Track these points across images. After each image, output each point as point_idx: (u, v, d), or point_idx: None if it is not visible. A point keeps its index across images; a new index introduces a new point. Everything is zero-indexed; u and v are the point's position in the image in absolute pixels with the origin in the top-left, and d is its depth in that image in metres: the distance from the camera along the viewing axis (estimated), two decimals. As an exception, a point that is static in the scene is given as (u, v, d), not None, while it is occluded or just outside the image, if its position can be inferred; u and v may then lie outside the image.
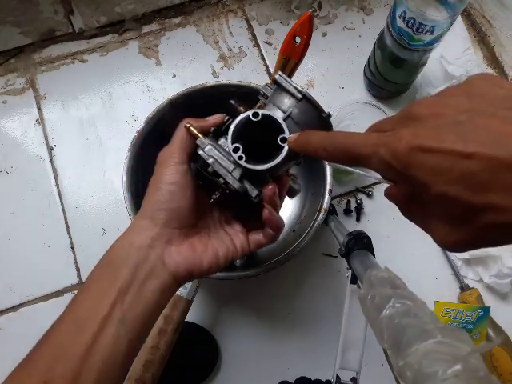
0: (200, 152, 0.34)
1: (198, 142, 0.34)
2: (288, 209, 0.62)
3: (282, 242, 0.58)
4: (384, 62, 0.62)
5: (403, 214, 0.26)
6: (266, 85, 0.38)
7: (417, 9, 0.50)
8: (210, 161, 0.34)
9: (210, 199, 0.39)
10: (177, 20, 0.73)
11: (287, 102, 0.35)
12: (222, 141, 0.36)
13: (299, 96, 0.34)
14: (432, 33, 0.52)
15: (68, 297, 0.60)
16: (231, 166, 0.34)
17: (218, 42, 0.72)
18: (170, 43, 0.72)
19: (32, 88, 0.69)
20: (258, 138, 0.34)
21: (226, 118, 0.37)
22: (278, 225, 0.36)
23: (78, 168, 0.65)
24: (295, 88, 0.34)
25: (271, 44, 0.72)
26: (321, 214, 0.52)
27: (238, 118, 0.33)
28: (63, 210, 0.63)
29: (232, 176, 0.33)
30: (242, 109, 0.36)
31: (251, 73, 0.70)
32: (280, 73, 0.35)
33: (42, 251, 0.62)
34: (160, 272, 0.33)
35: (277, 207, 0.36)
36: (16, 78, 0.69)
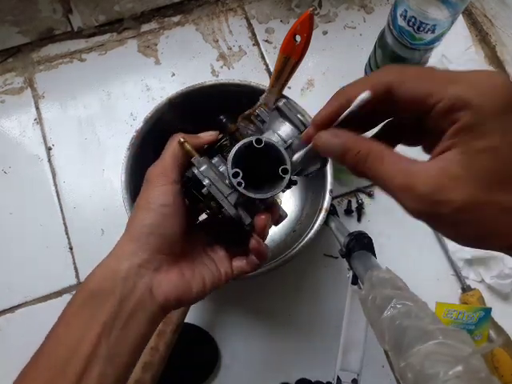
0: (195, 171, 0.32)
1: (193, 160, 0.33)
2: (288, 209, 0.61)
3: (282, 242, 0.58)
4: (385, 61, 0.61)
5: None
6: (260, 106, 0.37)
7: (418, 7, 0.50)
8: (206, 182, 0.32)
9: (195, 220, 0.38)
10: (176, 19, 0.73)
11: (289, 132, 0.34)
12: (215, 160, 0.34)
13: (302, 128, 0.33)
14: (433, 32, 0.52)
15: (66, 297, 0.60)
16: (227, 190, 0.32)
17: (217, 41, 0.71)
18: (169, 42, 0.71)
19: (30, 87, 0.68)
20: (254, 164, 0.33)
21: (220, 135, 0.36)
22: (264, 254, 0.35)
23: (77, 168, 0.65)
24: (300, 120, 0.33)
25: (271, 43, 0.72)
26: (321, 215, 0.52)
27: (241, 143, 0.32)
28: (61, 210, 0.63)
29: (228, 201, 0.32)
30: (232, 126, 0.35)
31: (251, 72, 0.70)
32: (285, 101, 0.34)
33: (41, 252, 0.61)
34: (148, 304, 0.30)
35: (265, 236, 0.35)
36: (14, 77, 0.69)
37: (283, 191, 0.35)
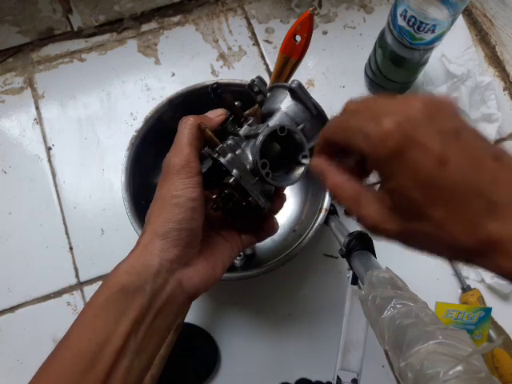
0: (222, 161, 0.31)
1: (218, 149, 0.32)
2: (288, 209, 0.61)
3: (282, 242, 0.58)
4: (385, 61, 0.61)
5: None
6: (260, 79, 0.36)
7: (418, 7, 0.50)
8: (235, 172, 0.31)
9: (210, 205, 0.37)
10: (176, 19, 0.73)
11: (301, 114, 0.34)
12: (229, 143, 0.33)
13: (315, 112, 0.33)
14: (433, 31, 0.52)
15: (66, 297, 0.60)
16: (252, 179, 0.32)
17: (217, 41, 0.71)
18: (169, 42, 0.71)
19: (30, 87, 0.68)
20: (271, 149, 0.33)
21: (228, 113, 0.35)
22: (276, 229, 0.38)
23: (77, 168, 0.65)
24: (313, 104, 0.33)
25: (271, 43, 0.72)
26: (321, 214, 0.52)
27: (266, 132, 0.31)
28: (61, 210, 0.63)
29: (256, 191, 0.32)
30: (230, 97, 0.34)
31: (251, 71, 0.70)
32: (297, 81, 0.34)
33: (40, 252, 0.61)
34: (178, 297, 0.30)
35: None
36: (14, 77, 0.69)
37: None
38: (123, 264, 0.30)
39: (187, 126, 0.32)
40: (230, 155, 0.31)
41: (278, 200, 0.36)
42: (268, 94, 0.37)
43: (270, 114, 0.35)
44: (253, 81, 0.36)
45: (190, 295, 0.31)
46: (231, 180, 0.31)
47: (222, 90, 0.34)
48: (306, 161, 0.32)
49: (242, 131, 0.34)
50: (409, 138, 0.22)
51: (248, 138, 0.34)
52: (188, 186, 0.30)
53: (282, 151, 0.33)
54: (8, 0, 0.62)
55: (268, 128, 0.31)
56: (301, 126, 0.33)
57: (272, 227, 0.37)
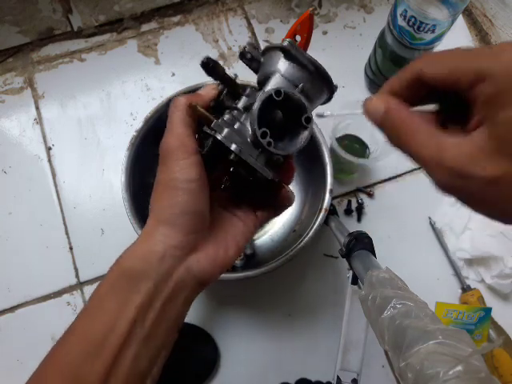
0: (219, 137, 0.29)
1: (213, 126, 0.29)
2: (288, 209, 0.61)
3: (282, 242, 0.58)
4: (385, 61, 0.61)
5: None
6: (250, 44, 0.34)
7: (418, 7, 0.50)
8: (234, 147, 0.29)
9: (215, 184, 0.35)
10: (176, 19, 0.73)
11: (299, 75, 0.31)
12: (227, 118, 0.31)
13: (312, 68, 0.31)
14: (433, 31, 0.52)
15: (66, 297, 0.60)
16: (255, 152, 0.30)
17: (217, 41, 0.71)
18: (169, 42, 0.71)
19: (30, 87, 0.68)
20: (272, 115, 0.31)
21: (220, 87, 0.33)
22: (292, 199, 0.36)
23: (77, 168, 0.65)
24: (309, 60, 0.31)
25: (271, 43, 0.72)
26: (321, 214, 0.52)
27: (262, 99, 0.29)
28: (61, 210, 0.63)
29: (260, 164, 0.30)
30: (221, 67, 0.32)
31: (251, 72, 0.70)
32: (289, 40, 0.32)
33: (40, 252, 0.61)
34: (187, 284, 0.29)
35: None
36: (14, 77, 0.69)
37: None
38: (127, 251, 0.29)
39: (177, 106, 0.31)
40: (226, 130, 0.30)
41: (288, 170, 0.34)
42: (262, 59, 0.34)
43: (266, 79, 0.33)
44: (244, 47, 0.34)
45: (201, 281, 0.30)
46: (232, 156, 0.29)
47: (213, 63, 0.32)
48: (309, 123, 0.30)
49: (241, 103, 0.32)
50: None
51: (247, 109, 0.32)
52: (184, 168, 0.29)
53: (285, 117, 0.31)
54: (8, 0, 0.62)
55: (262, 94, 0.29)
56: (300, 86, 0.31)
57: (288, 198, 0.35)
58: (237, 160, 0.29)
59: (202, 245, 0.30)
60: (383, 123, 0.25)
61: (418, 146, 0.23)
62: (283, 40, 0.32)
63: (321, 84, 0.32)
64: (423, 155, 0.23)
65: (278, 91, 0.29)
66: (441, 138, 0.23)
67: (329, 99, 0.34)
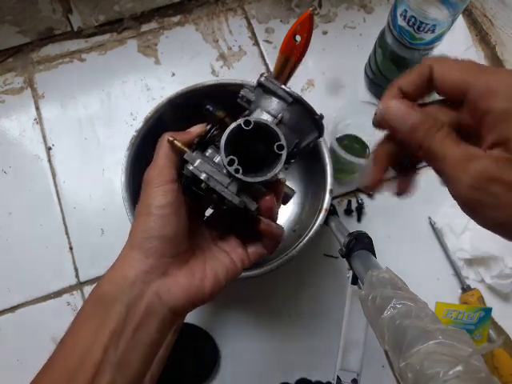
0: (190, 168, 0.31)
1: (186, 156, 0.32)
2: (288, 209, 0.61)
3: (282, 242, 0.58)
4: (385, 61, 0.61)
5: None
6: (245, 87, 0.36)
7: (418, 7, 0.50)
8: (203, 176, 0.31)
9: (199, 217, 0.37)
10: (176, 19, 0.73)
11: (277, 106, 0.33)
12: (209, 152, 0.33)
13: (290, 99, 0.32)
14: (433, 31, 0.52)
15: (66, 298, 0.60)
16: (226, 180, 0.31)
17: (217, 41, 0.71)
18: (169, 42, 0.71)
19: (30, 87, 0.68)
20: (249, 147, 0.32)
21: (208, 126, 0.35)
22: (278, 234, 0.35)
23: (77, 168, 0.65)
24: (285, 91, 0.32)
25: (271, 43, 0.72)
26: (321, 215, 0.52)
27: (230, 128, 0.31)
28: (61, 210, 0.63)
29: (230, 191, 0.31)
30: (220, 113, 0.34)
31: (251, 71, 0.70)
32: (266, 75, 0.33)
33: (40, 252, 0.61)
34: (157, 310, 0.29)
35: (275, 217, 0.34)
36: (14, 77, 0.69)
37: (286, 169, 0.34)
38: (105, 275, 0.30)
39: (162, 141, 0.33)
40: (198, 161, 0.32)
41: (263, 199, 0.33)
42: (253, 98, 0.36)
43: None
44: (240, 95, 0.36)
45: (172, 308, 0.30)
46: (202, 184, 0.31)
47: (214, 108, 0.35)
48: (281, 150, 0.30)
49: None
50: None
51: None
52: (159, 194, 0.30)
53: (268, 149, 0.32)
54: (8, 0, 0.62)
55: (232, 125, 0.31)
56: (279, 116, 0.32)
57: (268, 232, 0.34)
58: (206, 188, 0.31)
59: (173, 270, 0.31)
60: (415, 131, 0.25)
61: (449, 151, 0.24)
62: (261, 75, 0.34)
63: (302, 113, 0.33)
64: (453, 159, 0.23)
65: (247, 121, 0.30)
66: (466, 145, 0.23)
67: (319, 128, 0.34)
